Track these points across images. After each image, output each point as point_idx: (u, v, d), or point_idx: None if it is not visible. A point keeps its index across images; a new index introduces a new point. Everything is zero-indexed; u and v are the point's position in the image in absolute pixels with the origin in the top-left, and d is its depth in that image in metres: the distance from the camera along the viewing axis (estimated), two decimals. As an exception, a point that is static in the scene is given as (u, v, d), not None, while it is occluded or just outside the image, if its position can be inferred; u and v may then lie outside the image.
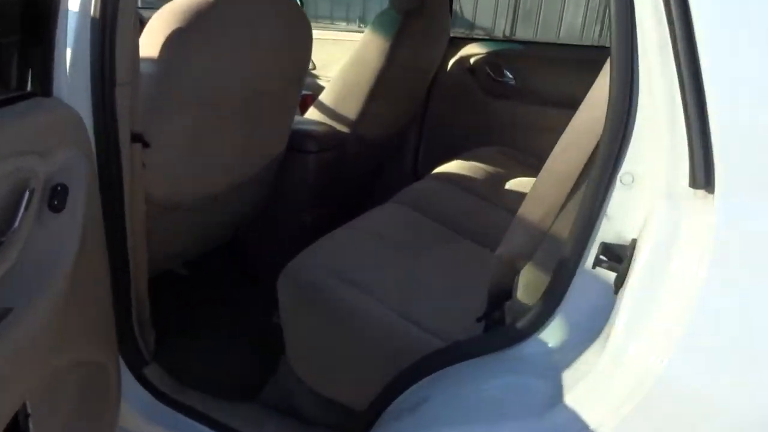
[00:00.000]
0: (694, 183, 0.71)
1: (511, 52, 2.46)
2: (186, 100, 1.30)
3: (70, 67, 1.01)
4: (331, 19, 13.00)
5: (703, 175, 0.69)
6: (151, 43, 1.23)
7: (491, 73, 2.50)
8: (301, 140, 1.86)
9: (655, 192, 0.77)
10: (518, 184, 2.07)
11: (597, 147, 0.83)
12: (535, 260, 0.96)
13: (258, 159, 1.64)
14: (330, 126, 1.99)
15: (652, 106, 0.76)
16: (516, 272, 1.00)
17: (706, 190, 0.71)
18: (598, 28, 10.77)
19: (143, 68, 1.20)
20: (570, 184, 0.90)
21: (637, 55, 0.76)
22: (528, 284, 0.97)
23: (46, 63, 0.96)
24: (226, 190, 1.56)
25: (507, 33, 11.46)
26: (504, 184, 2.06)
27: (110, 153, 1.08)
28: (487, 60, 2.47)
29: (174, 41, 1.22)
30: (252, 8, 1.36)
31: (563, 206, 0.91)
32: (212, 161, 1.46)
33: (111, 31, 1.02)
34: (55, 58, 0.97)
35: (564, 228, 0.89)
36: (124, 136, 1.11)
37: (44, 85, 0.97)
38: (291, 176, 1.86)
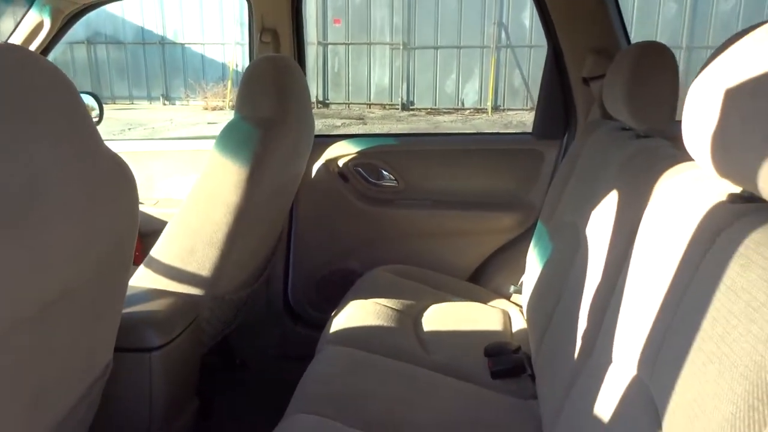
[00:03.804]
0: None
1: (388, 149, 2.01)
2: None
3: None
4: (130, 98, 12.03)
5: None
6: None
7: (367, 175, 2.02)
8: (133, 332, 1.18)
9: None
10: (434, 318, 1.61)
11: None
12: None
13: (59, 405, 0.94)
14: (174, 294, 1.33)
15: None
16: None
17: None
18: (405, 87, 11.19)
19: None
20: None
21: None
22: None
23: None
24: None
25: (320, 98, 11.47)
26: (420, 322, 1.57)
27: None
28: (359, 161, 1.99)
29: None
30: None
31: None
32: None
33: None
34: None
35: None
36: None
37: None
38: (121, 394, 1.18)
